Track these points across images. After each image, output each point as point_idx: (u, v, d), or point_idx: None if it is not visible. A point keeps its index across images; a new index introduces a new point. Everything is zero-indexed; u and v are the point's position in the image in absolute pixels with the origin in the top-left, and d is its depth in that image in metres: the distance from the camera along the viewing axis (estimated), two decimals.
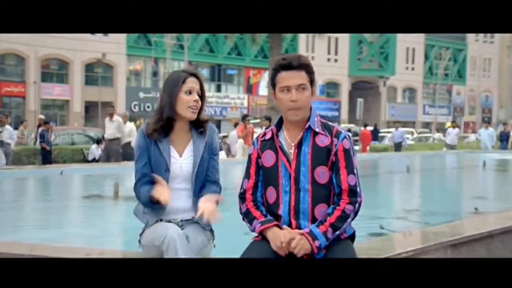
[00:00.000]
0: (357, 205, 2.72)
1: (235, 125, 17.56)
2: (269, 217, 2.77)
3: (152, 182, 2.93)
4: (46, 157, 15.54)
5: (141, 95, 41.08)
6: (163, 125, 2.96)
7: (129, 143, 14.62)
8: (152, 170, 2.95)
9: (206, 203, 2.82)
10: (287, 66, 2.71)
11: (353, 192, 2.71)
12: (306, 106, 2.73)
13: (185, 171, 2.98)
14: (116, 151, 14.59)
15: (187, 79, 2.97)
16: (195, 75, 3.01)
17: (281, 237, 2.64)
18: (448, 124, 33.33)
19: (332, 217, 2.69)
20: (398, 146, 24.45)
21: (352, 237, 2.84)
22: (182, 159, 2.99)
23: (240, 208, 2.89)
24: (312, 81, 2.75)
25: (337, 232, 2.69)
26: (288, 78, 2.71)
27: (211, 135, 3.05)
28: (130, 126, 15.49)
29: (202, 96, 3.01)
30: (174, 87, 2.95)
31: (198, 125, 3.02)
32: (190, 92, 2.95)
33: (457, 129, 25.31)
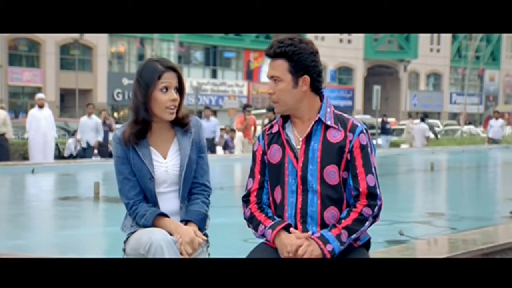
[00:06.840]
0: (376, 208, 2.73)
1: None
2: (276, 219, 2.79)
3: (145, 196, 2.96)
4: (105, 153, 15.79)
5: (125, 81, 41.02)
6: (140, 129, 2.95)
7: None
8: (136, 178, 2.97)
9: (185, 231, 2.83)
10: (266, 53, 2.80)
11: (372, 195, 2.72)
12: (284, 99, 2.76)
13: (171, 174, 2.99)
14: (7, 149, 14.70)
15: (163, 74, 2.93)
16: (172, 68, 2.96)
17: (287, 247, 2.68)
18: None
19: (347, 220, 2.71)
20: None
21: (367, 244, 2.86)
22: (167, 162, 2.99)
23: (244, 213, 2.90)
24: (299, 70, 2.73)
25: (353, 236, 2.70)
26: (269, 67, 2.80)
27: (197, 132, 3.06)
28: None
29: (181, 91, 2.98)
30: (148, 84, 2.92)
31: (180, 122, 3.01)
32: (166, 89, 2.93)
33: (500, 120, 24.26)
